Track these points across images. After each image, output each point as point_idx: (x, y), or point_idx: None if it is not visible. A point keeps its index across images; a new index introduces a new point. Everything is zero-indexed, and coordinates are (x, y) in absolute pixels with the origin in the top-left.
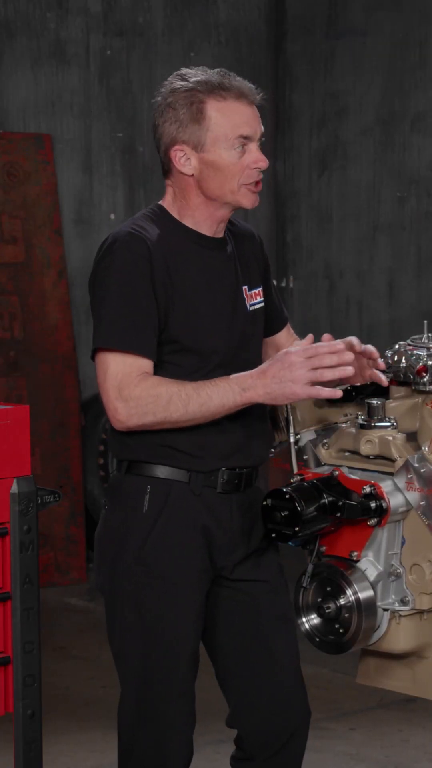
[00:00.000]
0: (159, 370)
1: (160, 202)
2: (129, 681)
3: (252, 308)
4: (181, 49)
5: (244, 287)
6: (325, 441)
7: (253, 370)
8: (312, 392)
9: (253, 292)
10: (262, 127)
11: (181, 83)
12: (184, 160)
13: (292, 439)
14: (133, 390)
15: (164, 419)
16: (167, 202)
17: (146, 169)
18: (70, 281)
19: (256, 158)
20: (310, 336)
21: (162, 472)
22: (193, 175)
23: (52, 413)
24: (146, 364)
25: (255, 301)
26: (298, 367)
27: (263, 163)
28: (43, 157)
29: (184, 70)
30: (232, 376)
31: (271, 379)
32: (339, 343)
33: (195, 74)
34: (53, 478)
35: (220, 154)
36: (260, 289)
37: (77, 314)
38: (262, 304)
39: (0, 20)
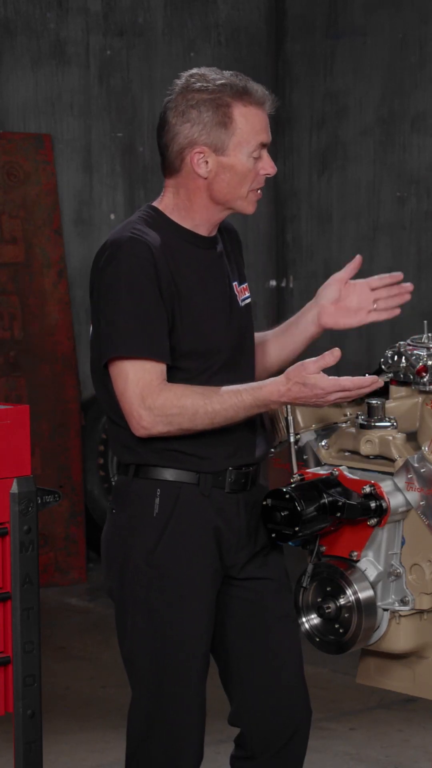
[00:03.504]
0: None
1: (153, 204)
2: (141, 685)
3: (243, 303)
4: (181, 49)
5: (234, 283)
6: (325, 441)
7: (276, 385)
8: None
9: (242, 287)
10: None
11: (204, 84)
12: (202, 162)
13: (292, 439)
14: (157, 399)
15: (189, 429)
16: (164, 203)
17: (146, 169)
18: (70, 281)
19: (267, 165)
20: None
21: (171, 474)
22: (206, 177)
23: (52, 413)
24: (163, 369)
25: (245, 296)
26: (324, 396)
27: (273, 170)
28: (43, 157)
29: (201, 70)
30: (248, 387)
31: (300, 401)
32: (367, 380)
33: (215, 76)
34: (53, 478)
35: (240, 159)
36: (246, 284)
37: (77, 314)
38: (250, 299)
39: (0, 20)
